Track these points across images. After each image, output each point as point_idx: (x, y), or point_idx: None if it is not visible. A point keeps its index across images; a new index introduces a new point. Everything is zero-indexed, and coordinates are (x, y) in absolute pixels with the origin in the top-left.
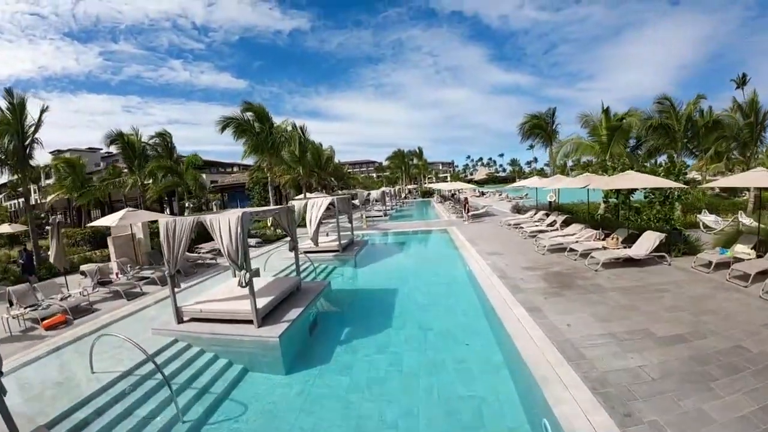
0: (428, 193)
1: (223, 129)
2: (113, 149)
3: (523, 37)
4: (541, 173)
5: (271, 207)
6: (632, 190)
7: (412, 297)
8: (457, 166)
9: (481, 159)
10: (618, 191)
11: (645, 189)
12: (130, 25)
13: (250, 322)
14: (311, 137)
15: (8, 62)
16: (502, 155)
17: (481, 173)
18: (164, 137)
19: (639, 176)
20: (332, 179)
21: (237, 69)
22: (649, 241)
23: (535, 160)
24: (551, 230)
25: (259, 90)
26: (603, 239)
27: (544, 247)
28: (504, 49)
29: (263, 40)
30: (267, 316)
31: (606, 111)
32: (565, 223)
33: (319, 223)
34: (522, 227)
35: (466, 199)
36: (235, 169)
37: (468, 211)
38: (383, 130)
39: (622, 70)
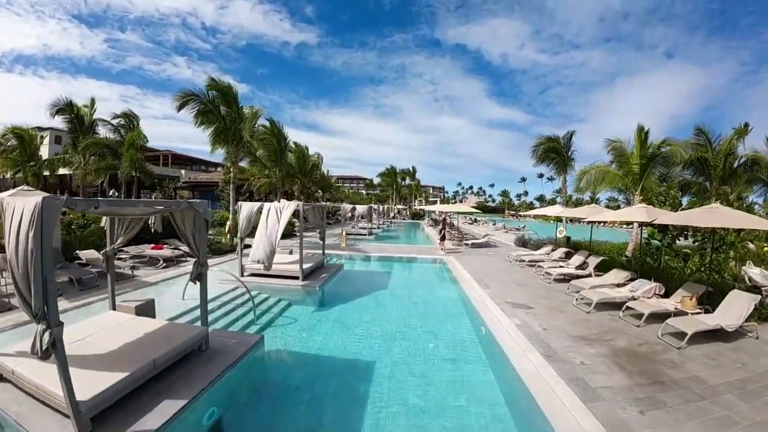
0: (418, 215)
1: (181, 107)
2: (60, 121)
3: (521, 76)
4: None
5: (150, 200)
6: (681, 232)
7: (400, 387)
8: (447, 192)
9: (471, 187)
10: (665, 232)
11: (696, 233)
12: (139, 17)
13: None
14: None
15: (13, 36)
16: (492, 185)
17: (471, 201)
18: (130, 119)
19: (730, 213)
20: (318, 190)
21: (241, 73)
22: (740, 304)
23: (525, 193)
24: (583, 274)
25: (260, 96)
26: (664, 295)
27: (586, 301)
28: (502, 86)
29: (270, 49)
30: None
31: (641, 135)
32: (603, 267)
33: (278, 238)
34: (541, 266)
35: (444, 219)
36: (219, 168)
37: (444, 238)
38: (378, 149)
39: (613, 116)
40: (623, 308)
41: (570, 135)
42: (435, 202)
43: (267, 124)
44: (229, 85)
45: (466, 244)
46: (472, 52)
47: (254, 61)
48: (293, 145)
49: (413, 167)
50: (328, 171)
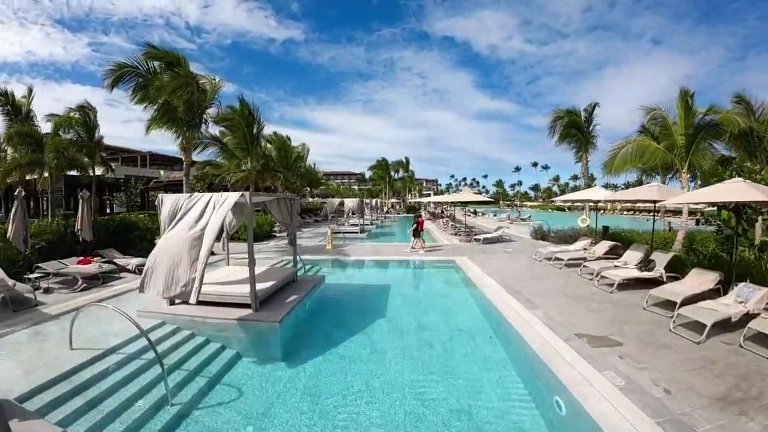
0: (413, 209)
1: (114, 84)
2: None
3: (510, 66)
4: (525, 197)
5: None
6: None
7: None
8: (440, 185)
9: (464, 179)
10: (741, 218)
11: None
12: (122, 19)
13: None
14: (291, 140)
15: None
16: (486, 176)
17: (466, 193)
18: (86, 112)
19: None
20: (306, 186)
21: (226, 72)
22: None
23: (519, 183)
24: (651, 277)
25: (247, 95)
26: None
27: (684, 320)
28: (491, 77)
29: (255, 46)
30: None
31: (686, 101)
32: (677, 266)
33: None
34: (588, 267)
35: (441, 212)
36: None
37: (417, 234)
38: (368, 145)
39: (602, 104)
40: (743, 335)
41: (592, 108)
42: (428, 195)
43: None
44: (173, 52)
45: (477, 240)
46: (460, 45)
47: (240, 59)
48: (273, 135)
49: (406, 158)
50: (315, 164)
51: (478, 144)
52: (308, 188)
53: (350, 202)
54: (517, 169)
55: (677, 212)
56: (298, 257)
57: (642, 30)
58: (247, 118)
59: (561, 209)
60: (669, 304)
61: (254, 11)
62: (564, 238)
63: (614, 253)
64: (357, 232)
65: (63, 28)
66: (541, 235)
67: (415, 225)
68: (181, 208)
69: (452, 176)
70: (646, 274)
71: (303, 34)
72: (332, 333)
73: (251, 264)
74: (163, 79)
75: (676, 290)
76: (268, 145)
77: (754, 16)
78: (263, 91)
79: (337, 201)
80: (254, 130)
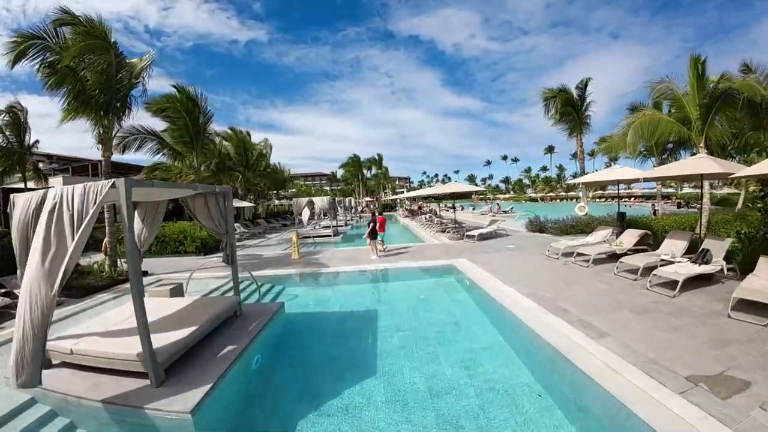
0: (389, 207)
1: (16, 59)
2: None
3: (474, 64)
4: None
5: None
6: None
7: None
8: (412, 182)
9: (436, 175)
10: None
11: None
12: None
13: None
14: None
15: None
16: (457, 172)
17: (452, 184)
18: (16, 113)
19: None
20: (271, 188)
21: (188, 75)
22: None
23: (491, 176)
24: (712, 271)
25: (211, 99)
26: None
27: None
28: (456, 75)
29: (218, 48)
30: None
31: (698, 68)
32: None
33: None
34: (625, 263)
35: (420, 207)
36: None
37: (374, 236)
38: (338, 145)
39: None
40: None
41: (585, 84)
42: (402, 193)
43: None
44: (92, 20)
45: (470, 237)
46: (425, 43)
47: (202, 62)
48: (230, 131)
49: (379, 154)
50: (280, 164)
51: (448, 141)
52: (274, 190)
53: (320, 201)
54: (488, 162)
55: (648, 197)
56: (249, 274)
57: (600, 24)
58: (188, 106)
59: (534, 200)
60: (756, 308)
61: (216, 12)
62: (565, 229)
63: (643, 244)
64: (330, 236)
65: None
66: (538, 227)
67: (372, 225)
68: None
69: (424, 173)
70: (706, 269)
71: (267, 35)
72: (293, 413)
73: (137, 306)
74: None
75: (762, 288)
76: (225, 143)
77: (713, 6)
78: (228, 95)
79: (304, 200)
80: (199, 121)
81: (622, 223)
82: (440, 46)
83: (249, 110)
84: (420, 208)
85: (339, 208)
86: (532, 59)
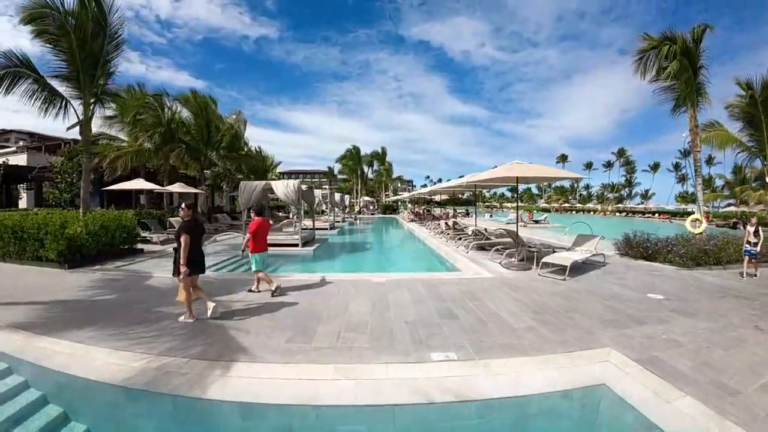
0: (391, 209)
1: None
2: None
3: (483, 73)
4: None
5: None
6: None
7: None
8: (414, 186)
9: (440, 179)
10: None
11: None
12: None
13: None
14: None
15: None
16: (461, 177)
17: (470, 177)
18: None
19: None
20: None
21: (197, 68)
22: None
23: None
24: None
25: (218, 93)
26: None
27: None
28: (464, 82)
29: (228, 42)
30: None
31: None
32: None
33: None
34: None
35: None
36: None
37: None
38: (343, 146)
39: (569, 111)
40: None
41: (701, 32)
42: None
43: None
44: None
45: (549, 267)
46: (435, 49)
47: (212, 55)
48: (190, 96)
49: (383, 148)
50: (261, 148)
51: (452, 147)
52: (244, 171)
53: (283, 187)
54: (494, 168)
55: (675, 214)
56: None
57: (610, 40)
58: (80, 17)
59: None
60: None
61: (228, 7)
62: (697, 257)
63: None
64: (297, 246)
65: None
66: (641, 251)
67: (249, 237)
68: None
69: (427, 177)
70: None
71: (277, 32)
72: None
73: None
74: None
75: None
76: (179, 107)
77: (720, 27)
78: (235, 89)
79: (258, 183)
80: (102, 43)
81: None
82: (449, 53)
83: (256, 106)
84: (429, 211)
85: (324, 203)
86: (540, 71)
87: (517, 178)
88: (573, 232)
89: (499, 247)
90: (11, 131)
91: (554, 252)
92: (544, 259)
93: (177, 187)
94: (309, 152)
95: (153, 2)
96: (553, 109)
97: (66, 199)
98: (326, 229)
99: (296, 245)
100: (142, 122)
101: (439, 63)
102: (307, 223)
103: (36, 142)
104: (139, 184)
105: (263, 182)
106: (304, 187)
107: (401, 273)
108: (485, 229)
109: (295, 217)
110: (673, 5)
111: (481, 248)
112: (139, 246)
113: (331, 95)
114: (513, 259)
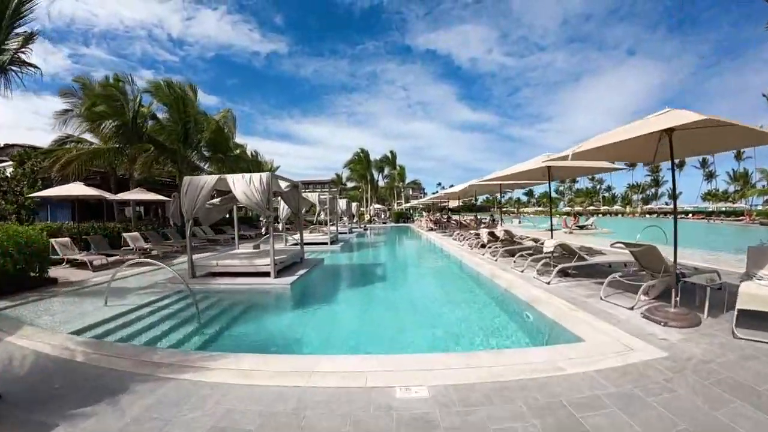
0: (404, 217)
1: None
2: None
3: (491, 79)
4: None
5: None
6: None
7: None
8: (425, 193)
9: (452, 185)
10: None
11: None
12: (104, 30)
13: None
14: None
15: None
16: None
17: (454, 200)
18: None
19: None
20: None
21: (209, 85)
22: None
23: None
24: None
25: (230, 108)
26: None
27: None
28: (472, 89)
29: (239, 59)
30: None
31: None
32: None
33: None
34: None
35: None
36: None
37: None
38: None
39: (578, 113)
40: None
41: None
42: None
43: None
44: None
45: (672, 311)
46: (442, 58)
47: (223, 71)
48: (162, 83)
49: (392, 152)
50: (258, 152)
51: (462, 153)
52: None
53: (242, 185)
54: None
55: (709, 213)
56: None
57: (617, 40)
58: None
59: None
60: None
61: (238, 24)
62: None
63: None
64: (268, 275)
65: (44, 39)
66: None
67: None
68: None
69: (439, 183)
70: None
71: (287, 47)
72: None
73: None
74: None
75: None
76: (149, 97)
77: (727, 23)
78: (246, 104)
79: (209, 180)
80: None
81: None
82: (457, 61)
83: (267, 120)
84: (449, 218)
85: (323, 212)
86: (548, 75)
87: (549, 168)
88: (644, 240)
89: (569, 264)
90: None
91: (696, 272)
92: (739, 305)
93: (135, 194)
94: (319, 163)
95: (165, 21)
96: (562, 113)
97: (10, 210)
98: (325, 244)
99: (266, 275)
100: (101, 116)
101: (446, 71)
102: (296, 237)
103: None
104: (76, 189)
105: (215, 177)
106: (283, 184)
107: (450, 355)
108: (560, 243)
109: (284, 228)
110: (680, 2)
111: (564, 273)
112: (54, 274)
113: (340, 107)
114: (648, 297)
